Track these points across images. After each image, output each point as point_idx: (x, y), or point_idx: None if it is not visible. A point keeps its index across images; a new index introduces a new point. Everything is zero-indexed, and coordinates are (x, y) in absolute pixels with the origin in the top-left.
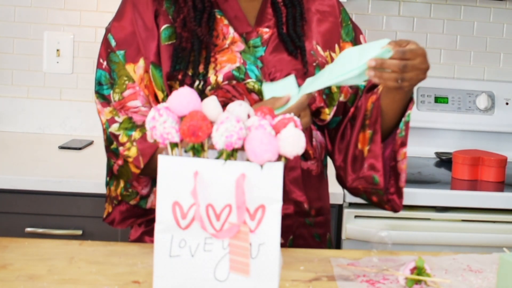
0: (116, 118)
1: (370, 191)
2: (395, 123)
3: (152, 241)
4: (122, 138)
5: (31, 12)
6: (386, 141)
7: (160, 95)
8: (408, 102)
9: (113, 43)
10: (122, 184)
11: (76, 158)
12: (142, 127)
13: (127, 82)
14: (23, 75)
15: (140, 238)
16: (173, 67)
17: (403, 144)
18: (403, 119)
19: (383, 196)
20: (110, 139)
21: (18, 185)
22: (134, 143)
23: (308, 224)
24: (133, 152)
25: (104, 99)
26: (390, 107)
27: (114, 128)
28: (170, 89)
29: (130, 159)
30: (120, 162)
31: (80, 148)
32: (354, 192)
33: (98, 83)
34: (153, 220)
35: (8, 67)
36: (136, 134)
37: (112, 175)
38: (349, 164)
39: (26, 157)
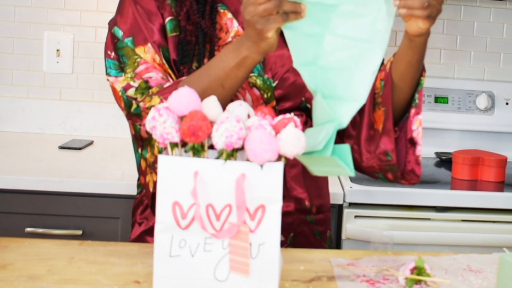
0: (132, 83)
1: (384, 168)
2: (409, 96)
3: (152, 241)
4: (141, 97)
5: (31, 12)
6: (401, 123)
7: (174, 77)
8: (421, 71)
9: (120, 33)
10: (156, 143)
11: (76, 158)
12: (158, 86)
13: (138, 59)
14: (23, 75)
15: (140, 237)
16: (179, 60)
17: (417, 112)
18: (417, 90)
19: (397, 172)
20: (129, 102)
21: (18, 185)
22: (154, 95)
23: (309, 222)
24: (155, 100)
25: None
26: (404, 77)
27: (130, 92)
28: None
29: None
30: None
31: (80, 148)
32: (370, 171)
33: (109, 67)
34: (152, 218)
35: (8, 67)
36: (153, 90)
37: (142, 143)
38: (363, 146)
39: (26, 157)
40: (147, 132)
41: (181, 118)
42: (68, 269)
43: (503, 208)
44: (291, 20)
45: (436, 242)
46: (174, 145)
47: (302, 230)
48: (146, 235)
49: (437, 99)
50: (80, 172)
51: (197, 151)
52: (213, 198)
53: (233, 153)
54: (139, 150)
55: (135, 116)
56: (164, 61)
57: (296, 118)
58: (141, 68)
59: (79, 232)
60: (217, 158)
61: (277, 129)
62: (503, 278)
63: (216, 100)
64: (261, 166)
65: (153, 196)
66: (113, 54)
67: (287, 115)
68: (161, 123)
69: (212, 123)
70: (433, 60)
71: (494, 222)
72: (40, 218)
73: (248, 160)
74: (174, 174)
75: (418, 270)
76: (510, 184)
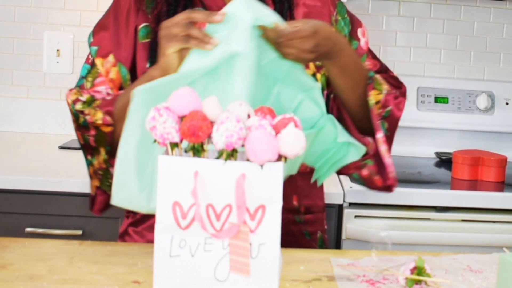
0: (80, 98)
1: (360, 165)
2: (361, 109)
3: (135, 232)
4: (86, 110)
5: (31, 12)
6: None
7: None
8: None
9: (91, 38)
10: (103, 151)
11: (76, 158)
12: (101, 99)
13: (98, 71)
14: (23, 75)
15: (126, 230)
16: (150, 63)
17: (377, 129)
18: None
19: (373, 165)
20: (77, 115)
21: (18, 185)
22: (97, 108)
23: (297, 221)
24: (99, 115)
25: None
26: (346, 88)
27: (78, 106)
28: None
29: (99, 121)
30: (92, 132)
31: (80, 148)
32: (346, 172)
33: (80, 77)
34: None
35: (8, 67)
36: (97, 102)
37: (91, 151)
38: None
39: (26, 157)
40: (94, 142)
41: (181, 118)
42: (68, 269)
43: (503, 208)
44: (192, 46)
45: (436, 242)
46: (174, 145)
47: (290, 230)
48: (131, 226)
49: (437, 99)
50: (80, 172)
51: (197, 151)
52: (213, 198)
53: (233, 153)
54: (88, 157)
55: (83, 127)
56: (120, 75)
57: (296, 118)
58: (99, 80)
59: (79, 232)
60: (217, 158)
61: (277, 129)
62: (503, 278)
63: (216, 100)
64: (261, 166)
65: (92, 199)
66: (91, 58)
67: (287, 115)
68: (161, 123)
69: (212, 123)
70: (433, 60)
71: (494, 222)
72: (40, 218)
73: (248, 160)
74: (174, 174)
75: (418, 270)
76: (510, 184)
